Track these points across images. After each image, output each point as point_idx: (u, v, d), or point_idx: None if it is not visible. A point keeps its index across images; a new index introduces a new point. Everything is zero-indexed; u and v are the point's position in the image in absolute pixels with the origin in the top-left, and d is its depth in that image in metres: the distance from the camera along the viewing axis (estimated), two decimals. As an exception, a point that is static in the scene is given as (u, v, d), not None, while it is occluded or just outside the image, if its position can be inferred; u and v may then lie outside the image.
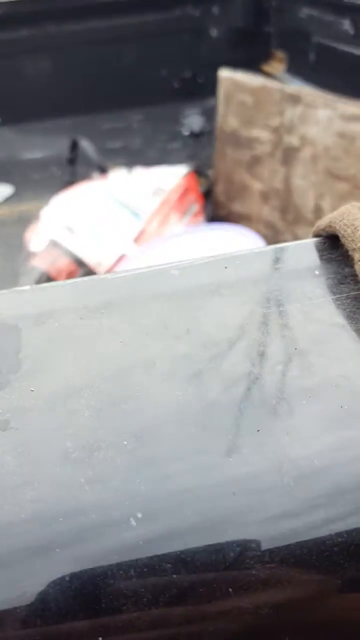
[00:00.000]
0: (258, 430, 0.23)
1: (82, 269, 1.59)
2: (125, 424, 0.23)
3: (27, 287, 0.34)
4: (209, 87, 2.03)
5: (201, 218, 1.78)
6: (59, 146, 2.25)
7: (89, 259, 1.60)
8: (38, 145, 2.30)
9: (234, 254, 0.34)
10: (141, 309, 0.30)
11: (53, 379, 0.26)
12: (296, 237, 1.67)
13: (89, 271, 1.62)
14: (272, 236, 1.70)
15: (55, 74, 2.26)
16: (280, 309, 0.29)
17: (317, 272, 0.32)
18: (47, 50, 2.22)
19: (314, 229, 0.38)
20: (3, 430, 0.23)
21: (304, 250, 0.35)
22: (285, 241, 1.71)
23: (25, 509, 0.21)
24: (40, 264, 1.59)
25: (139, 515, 0.20)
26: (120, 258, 1.60)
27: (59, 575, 0.21)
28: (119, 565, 0.21)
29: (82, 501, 0.21)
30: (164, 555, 0.21)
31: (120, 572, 0.21)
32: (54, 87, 2.26)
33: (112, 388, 0.25)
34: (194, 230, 1.60)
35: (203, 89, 2.30)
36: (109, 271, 1.59)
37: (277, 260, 0.34)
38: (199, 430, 0.23)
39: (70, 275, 1.59)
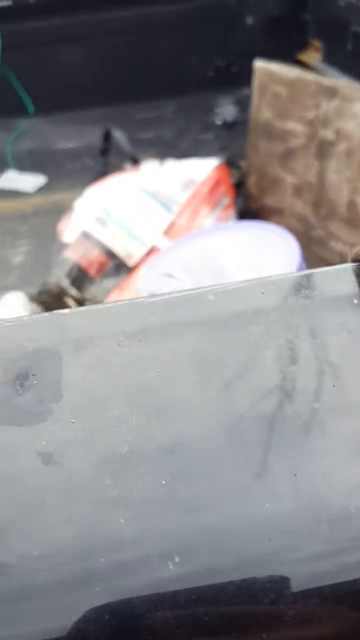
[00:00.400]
0: (295, 475, 0.23)
1: (113, 260, 1.60)
2: (162, 461, 0.24)
3: (66, 311, 0.34)
4: (244, 77, 2.01)
5: (232, 211, 1.77)
6: (92, 136, 2.25)
7: (120, 251, 1.61)
8: (71, 136, 2.31)
9: (270, 278, 0.34)
10: (177, 336, 0.31)
11: (93, 411, 0.26)
12: (329, 233, 1.65)
13: (119, 263, 1.63)
14: (304, 231, 1.69)
15: (88, 63, 2.26)
16: (318, 340, 0.30)
17: (356, 301, 0.32)
18: (81, 39, 2.22)
19: (353, 253, 0.37)
20: (46, 465, 0.24)
21: (342, 276, 0.35)
22: (317, 236, 1.70)
23: (66, 545, 0.22)
24: (72, 255, 1.60)
25: (177, 560, 0.21)
26: (151, 250, 1.61)
27: (96, 608, 0.22)
28: (155, 601, 0.22)
29: (120, 539, 0.22)
30: (198, 593, 0.22)
31: (156, 607, 0.22)
32: (87, 77, 2.26)
33: (148, 423, 0.26)
34: (224, 227, 1.60)
35: (237, 78, 2.27)
36: (139, 263, 1.60)
37: (314, 286, 0.34)
38: (236, 468, 0.24)
39: (101, 266, 1.60)
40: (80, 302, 1.58)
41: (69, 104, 2.27)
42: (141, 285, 1.34)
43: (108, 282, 1.60)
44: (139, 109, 2.35)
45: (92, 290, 1.60)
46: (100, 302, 1.56)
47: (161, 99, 2.33)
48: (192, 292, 0.34)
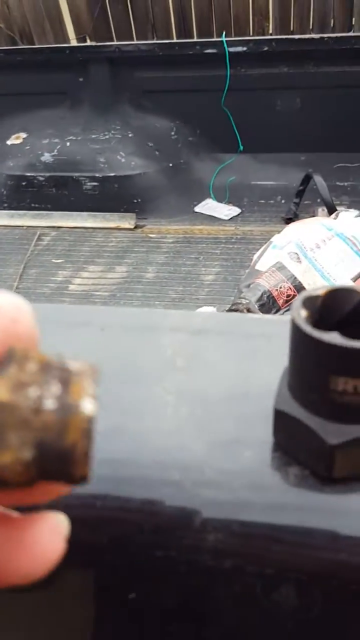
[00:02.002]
0: None
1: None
2: None
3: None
4: None
5: None
6: (290, 178, 2.43)
7: (309, 288, 1.75)
8: (271, 175, 2.51)
9: None
10: None
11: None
12: None
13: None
14: None
15: (301, 111, 2.45)
16: None
17: None
18: (300, 89, 2.42)
19: None
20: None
21: None
22: None
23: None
24: (264, 283, 1.77)
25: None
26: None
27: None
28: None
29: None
30: None
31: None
32: (297, 124, 2.45)
33: None
34: None
35: None
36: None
37: None
38: None
39: (289, 298, 1.75)
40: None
41: (275, 145, 2.47)
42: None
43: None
44: (339, 158, 2.49)
45: (276, 318, 1.76)
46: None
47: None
48: None
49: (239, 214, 2.47)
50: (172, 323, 0.50)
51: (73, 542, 0.25)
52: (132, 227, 2.47)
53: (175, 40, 2.94)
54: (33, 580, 0.23)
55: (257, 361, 0.43)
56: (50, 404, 0.21)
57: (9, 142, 2.69)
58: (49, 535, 0.23)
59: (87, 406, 0.21)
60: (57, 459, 0.21)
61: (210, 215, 2.46)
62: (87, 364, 0.22)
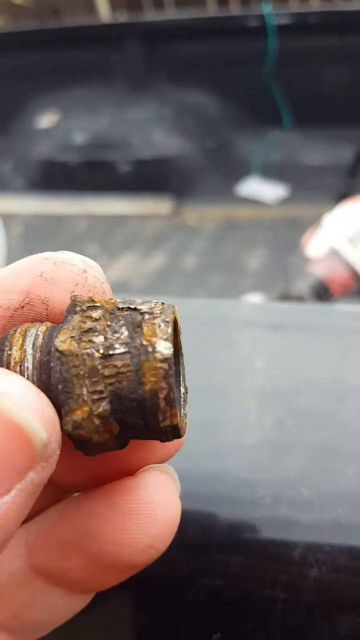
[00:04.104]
0: None
1: (359, 283, 1.68)
2: None
3: None
4: None
5: None
6: (342, 155, 2.36)
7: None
8: (321, 152, 2.43)
9: None
10: None
11: None
12: None
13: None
14: None
15: (353, 84, 2.37)
16: None
17: None
18: (350, 61, 2.33)
19: None
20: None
21: None
22: None
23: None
24: (316, 270, 1.71)
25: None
26: None
27: None
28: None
29: None
30: None
31: None
32: (348, 97, 2.36)
33: None
34: None
35: None
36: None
37: None
38: None
39: (344, 286, 1.69)
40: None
41: (326, 120, 2.39)
42: None
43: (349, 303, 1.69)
44: None
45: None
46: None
47: None
48: None
49: (285, 195, 2.40)
50: (244, 316, 0.45)
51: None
52: (169, 212, 2.43)
53: (212, 15, 2.87)
54: (157, 552, 0.21)
55: (351, 359, 0.39)
56: (119, 348, 0.19)
57: (41, 125, 2.67)
58: (160, 491, 0.21)
59: (162, 346, 0.19)
60: (137, 408, 0.19)
61: (253, 198, 2.40)
62: (160, 303, 0.21)
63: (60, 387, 0.19)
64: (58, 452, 0.18)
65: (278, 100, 2.42)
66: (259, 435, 0.35)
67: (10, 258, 1.84)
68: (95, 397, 0.19)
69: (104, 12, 3.23)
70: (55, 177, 2.56)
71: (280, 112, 2.45)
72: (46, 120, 2.70)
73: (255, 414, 0.36)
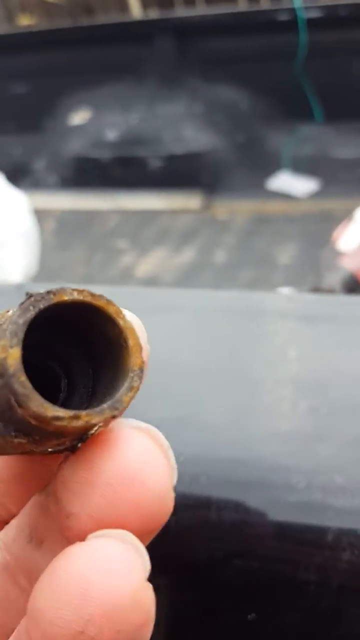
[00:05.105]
0: None
1: (390, 276, 1.66)
2: None
3: None
4: None
5: None
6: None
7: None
8: (352, 145, 2.40)
9: None
10: None
11: None
12: None
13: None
14: None
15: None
16: None
17: None
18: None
19: None
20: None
21: None
22: None
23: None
24: (348, 264, 1.70)
25: None
26: None
27: None
28: None
29: None
30: None
31: None
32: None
33: None
34: None
35: None
36: None
37: None
38: None
39: (376, 281, 1.67)
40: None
41: (356, 114, 2.36)
42: None
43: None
44: None
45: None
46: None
47: None
48: None
49: (316, 189, 2.38)
50: (277, 307, 0.46)
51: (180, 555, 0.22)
52: (199, 207, 2.43)
53: (242, 10, 2.85)
54: (161, 517, 0.18)
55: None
56: None
57: (73, 122, 2.69)
58: (144, 450, 0.18)
59: None
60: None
61: (284, 192, 2.39)
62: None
63: None
64: None
65: (309, 94, 2.40)
66: (293, 422, 0.35)
67: (44, 253, 1.88)
68: None
69: (136, 9, 3.23)
70: (88, 174, 2.58)
71: (311, 106, 2.43)
72: (79, 117, 2.72)
73: (290, 402, 0.36)
